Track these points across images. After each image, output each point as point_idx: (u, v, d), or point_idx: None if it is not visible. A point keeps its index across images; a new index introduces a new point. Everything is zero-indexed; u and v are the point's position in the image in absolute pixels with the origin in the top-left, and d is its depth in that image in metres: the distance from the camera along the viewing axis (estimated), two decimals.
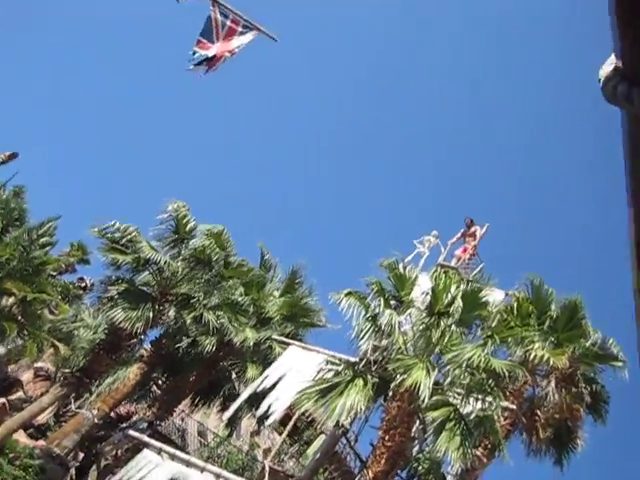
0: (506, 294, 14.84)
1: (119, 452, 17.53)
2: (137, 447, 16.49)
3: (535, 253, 48.16)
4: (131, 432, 17.00)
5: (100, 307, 18.40)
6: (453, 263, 17.65)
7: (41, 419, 20.42)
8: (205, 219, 19.19)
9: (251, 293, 19.12)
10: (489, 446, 13.45)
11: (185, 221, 18.36)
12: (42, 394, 20.88)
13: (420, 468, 13.94)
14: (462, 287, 13.33)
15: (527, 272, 13.91)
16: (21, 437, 18.03)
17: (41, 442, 18.12)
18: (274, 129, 58.56)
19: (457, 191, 56.46)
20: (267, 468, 14.33)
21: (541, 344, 12.40)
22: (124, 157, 57.18)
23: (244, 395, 17.18)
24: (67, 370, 18.34)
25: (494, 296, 14.38)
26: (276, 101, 58.86)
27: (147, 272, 18.03)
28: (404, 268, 14.20)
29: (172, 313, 18.35)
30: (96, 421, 17.97)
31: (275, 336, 18.13)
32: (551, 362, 12.15)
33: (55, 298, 20.80)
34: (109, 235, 17.94)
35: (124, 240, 17.83)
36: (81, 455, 18.92)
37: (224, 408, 19.36)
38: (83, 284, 25.48)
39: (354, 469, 15.23)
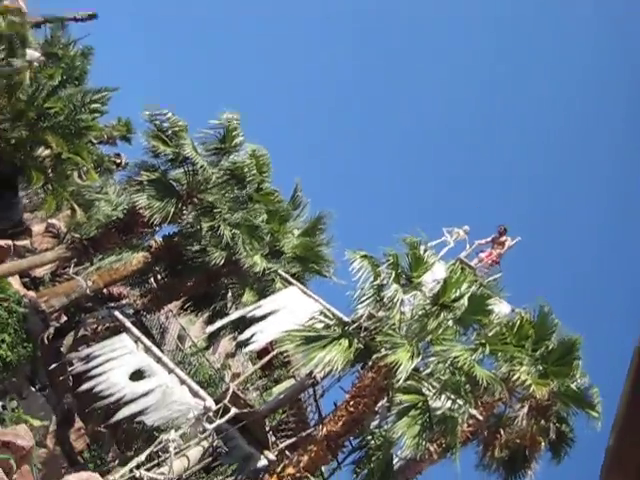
0: (512, 310, 14.78)
1: (99, 328, 17.87)
2: (117, 329, 16.86)
3: (556, 281, 47.61)
4: (116, 313, 17.35)
5: (127, 187, 18.55)
6: (473, 263, 17.56)
7: (38, 272, 20.84)
8: (254, 139, 19.19)
9: (272, 223, 19.19)
10: (444, 445, 13.54)
11: (234, 134, 18.32)
12: (47, 249, 21.27)
13: (372, 442, 14.10)
14: (473, 288, 13.30)
15: (540, 296, 13.80)
16: (15, 282, 18.43)
17: (31, 293, 18.50)
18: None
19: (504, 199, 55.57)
20: (231, 390, 14.55)
21: (528, 369, 12.38)
22: (198, 53, 56.86)
23: (233, 316, 17.42)
24: (77, 235, 18.60)
25: (500, 308, 14.34)
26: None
27: (182, 170, 18.09)
28: (424, 251, 14.16)
29: (192, 216, 18.47)
30: (88, 292, 18.27)
31: (281, 271, 18.26)
32: (531, 389, 12.15)
33: (88, 164, 21.03)
34: (158, 122, 17.97)
35: (170, 132, 17.85)
36: (64, 318, 19.30)
37: (210, 322, 19.60)
38: (118, 160, 25.67)
39: (311, 421, 15.45)
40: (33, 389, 17.68)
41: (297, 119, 58.19)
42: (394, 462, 13.97)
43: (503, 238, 18.32)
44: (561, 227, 53.63)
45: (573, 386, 13.00)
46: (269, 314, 16.10)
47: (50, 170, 20.33)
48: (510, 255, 18.70)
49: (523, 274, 38.18)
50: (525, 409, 13.14)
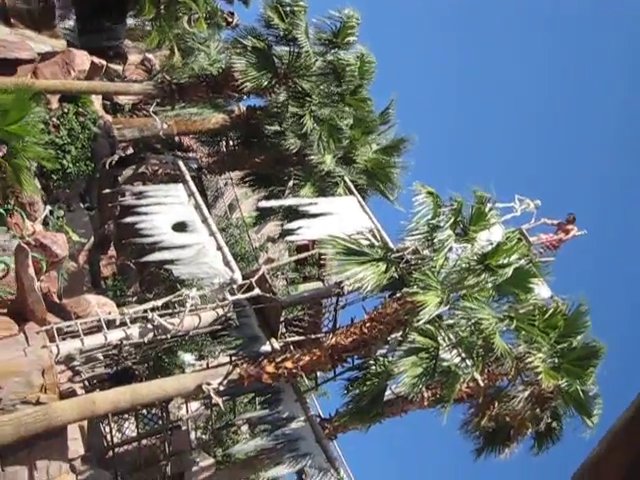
0: (551, 296, 14.61)
1: (160, 171, 18.24)
2: (176, 178, 17.21)
3: (609, 284, 46.36)
4: (180, 162, 17.65)
5: (230, 48, 18.42)
6: (532, 239, 17.29)
7: (120, 100, 21.16)
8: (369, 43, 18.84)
9: (355, 130, 18.98)
10: (438, 396, 13.76)
11: (349, 32, 18.00)
12: (135, 81, 21.53)
13: (373, 368, 14.36)
14: (522, 262, 13.11)
15: (583, 294, 13.57)
16: (97, 102, 18.78)
17: (108, 117, 18.89)
18: None
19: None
20: (261, 272, 14.83)
21: (544, 357, 12.28)
22: None
23: (288, 201, 17.60)
24: (168, 77, 18.73)
25: (541, 290, 14.17)
26: None
27: (287, 48, 17.88)
28: (490, 209, 13.95)
29: (282, 97, 18.38)
30: (160, 134, 18.60)
31: (347, 178, 18.24)
32: (540, 377, 12.12)
33: (201, 13, 20.98)
34: None
35: (289, 8, 17.55)
36: (130, 151, 19.71)
37: (265, 200, 19.87)
38: (230, 19, 25.34)
39: (324, 327, 15.73)
40: (82, 206, 18.29)
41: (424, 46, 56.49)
42: (386, 393, 14.26)
43: (570, 226, 17.91)
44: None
45: (580, 390, 12.93)
46: (321, 214, 16.22)
47: (163, 7, 20.35)
48: (573, 244, 18.36)
49: (579, 266, 37.34)
50: (526, 393, 13.17)
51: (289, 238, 16.91)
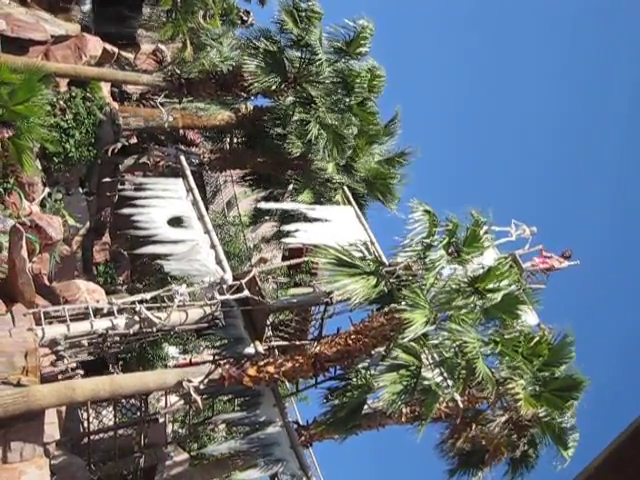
0: (538, 324, 14.67)
1: (161, 163, 18.27)
2: (176, 172, 17.26)
3: (599, 318, 46.12)
4: (182, 156, 17.70)
5: (242, 47, 18.48)
6: (525, 265, 17.33)
7: (129, 88, 21.20)
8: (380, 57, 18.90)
9: (359, 140, 19.04)
10: (416, 413, 13.80)
11: (362, 42, 18.00)
12: (145, 71, 21.55)
13: (354, 380, 14.38)
14: (512, 287, 13.15)
15: (570, 325, 13.58)
16: (105, 89, 18.80)
17: (115, 105, 18.90)
18: None
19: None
20: (252, 274, 14.84)
21: (525, 384, 12.35)
22: None
23: (288, 206, 17.66)
24: (178, 71, 18.73)
25: (528, 317, 14.20)
26: None
27: (299, 54, 17.89)
28: (485, 232, 13.98)
29: (289, 101, 18.40)
30: (165, 126, 18.62)
31: (346, 188, 18.28)
32: (519, 403, 12.18)
33: (216, 10, 21.02)
34: (298, 0, 17.72)
35: (304, 14, 17.55)
36: (134, 140, 19.74)
37: (263, 201, 19.94)
38: (246, 18, 25.32)
39: (309, 335, 15.77)
40: (81, 191, 18.32)
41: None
42: (365, 406, 14.29)
43: (564, 260, 17.97)
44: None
45: (558, 420, 12.97)
46: (318, 220, 16.27)
47: (180, 0, 20.42)
48: (565, 275, 18.37)
49: (569, 297, 37.25)
50: (504, 418, 13.22)
51: (285, 240, 16.96)
